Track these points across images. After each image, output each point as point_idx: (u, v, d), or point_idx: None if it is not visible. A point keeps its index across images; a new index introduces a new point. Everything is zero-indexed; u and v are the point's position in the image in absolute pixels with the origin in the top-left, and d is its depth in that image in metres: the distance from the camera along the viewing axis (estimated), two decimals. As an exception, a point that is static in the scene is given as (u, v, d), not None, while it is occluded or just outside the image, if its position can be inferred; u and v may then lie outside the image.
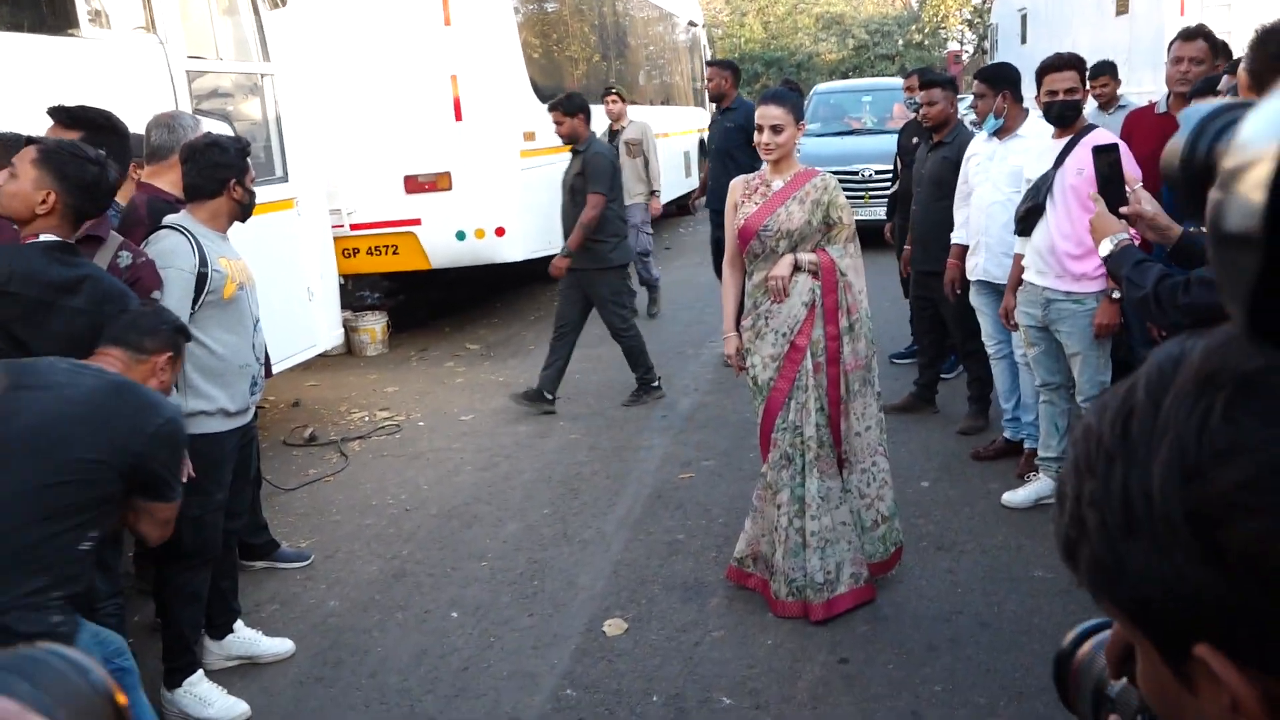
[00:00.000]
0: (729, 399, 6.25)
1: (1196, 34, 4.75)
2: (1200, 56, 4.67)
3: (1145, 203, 2.55)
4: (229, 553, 3.65)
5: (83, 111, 3.03)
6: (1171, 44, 4.89)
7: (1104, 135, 4.22)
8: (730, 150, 7.31)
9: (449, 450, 5.76)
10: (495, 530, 4.64)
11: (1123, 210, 2.56)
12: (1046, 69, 4.26)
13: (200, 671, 3.39)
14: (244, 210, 3.45)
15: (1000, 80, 4.92)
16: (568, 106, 6.17)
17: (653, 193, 8.87)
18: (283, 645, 3.70)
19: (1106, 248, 2.52)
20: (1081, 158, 4.15)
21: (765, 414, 3.74)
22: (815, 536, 3.66)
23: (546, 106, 6.51)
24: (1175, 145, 2.10)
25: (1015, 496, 4.55)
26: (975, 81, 5.19)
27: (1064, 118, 4.23)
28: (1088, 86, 4.39)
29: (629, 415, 6.19)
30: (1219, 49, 4.77)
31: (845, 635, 3.57)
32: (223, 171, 3.35)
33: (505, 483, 5.23)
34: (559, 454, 5.58)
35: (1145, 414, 0.59)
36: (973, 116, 5.71)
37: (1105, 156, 2.69)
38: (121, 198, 3.93)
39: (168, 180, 3.67)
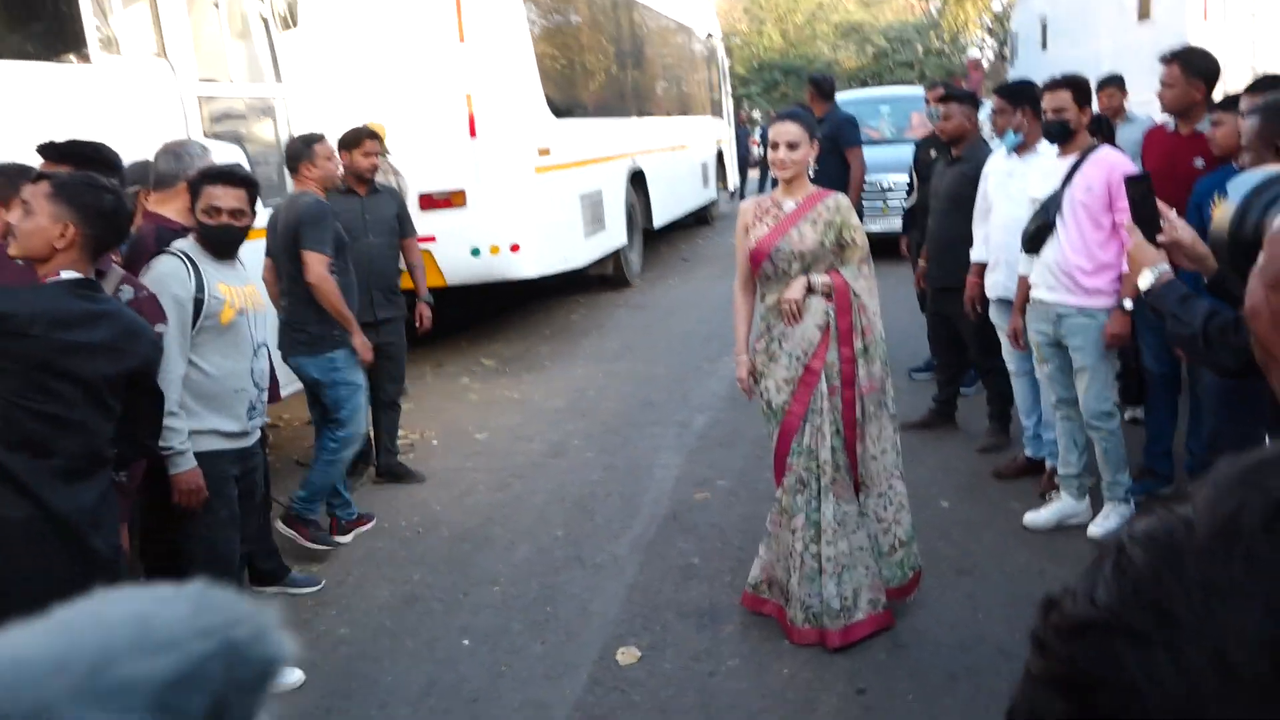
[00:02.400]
0: (744, 416, 6.17)
1: (1169, 59, 4.66)
2: (1169, 81, 4.60)
3: (1182, 230, 2.47)
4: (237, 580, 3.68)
5: (70, 146, 3.01)
6: None
7: (1110, 154, 4.21)
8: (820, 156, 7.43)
9: (462, 470, 5.72)
10: (507, 553, 4.59)
11: (1159, 238, 2.48)
12: (1044, 87, 4.36)
13: None
14: (207, 237, 3.41)
15: (1021, 97, 4.85)
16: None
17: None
18: (291, 676, 3.67)
19: (1147, 279, 2.42)
20: (1090, 175, 4.13)
21: (780, 438, 3.68)
22: (831, 562, 3.59)
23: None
24: (1224, 215, 2.03)
25: (1037, 518, 4.46)
26: (995, 97, 5.13)
27: (1050, 135, 4.33)
28: (1093, 103, 4.38)
29: (644, 433, 6.14)
30: (1197, 70, 4.64)
31: (863, 664, 3.49)
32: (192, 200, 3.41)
33: (518, 504, 5.18)
34: (572, 474, 5.53)
35: (1170, 586, 0.53)
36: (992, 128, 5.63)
37: (1138, 186, 2.60)
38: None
39: (174, 208, 3.67)
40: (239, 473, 3.48)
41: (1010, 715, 0.59)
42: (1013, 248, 4.74)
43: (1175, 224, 2.50)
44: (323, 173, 4.65)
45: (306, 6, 7.60)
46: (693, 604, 4.01)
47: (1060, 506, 4.46)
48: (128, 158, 3.95)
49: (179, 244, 3.40)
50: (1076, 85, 4.25)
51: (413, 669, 3.68)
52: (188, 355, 3.30)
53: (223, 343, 3.37)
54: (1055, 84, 4.28)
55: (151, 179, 3.76)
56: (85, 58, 4.36)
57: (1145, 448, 4.72)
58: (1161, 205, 2.57)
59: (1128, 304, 4.12)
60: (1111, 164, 4.14)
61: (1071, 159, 4.23)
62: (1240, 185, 1.94)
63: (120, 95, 4.50)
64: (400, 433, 6.38)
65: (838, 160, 7.50)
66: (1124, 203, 4.06)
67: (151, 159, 3.85)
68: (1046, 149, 4.65)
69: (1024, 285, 4.49)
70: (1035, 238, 4.29)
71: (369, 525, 4.93)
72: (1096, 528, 4.28)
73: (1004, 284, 4.86)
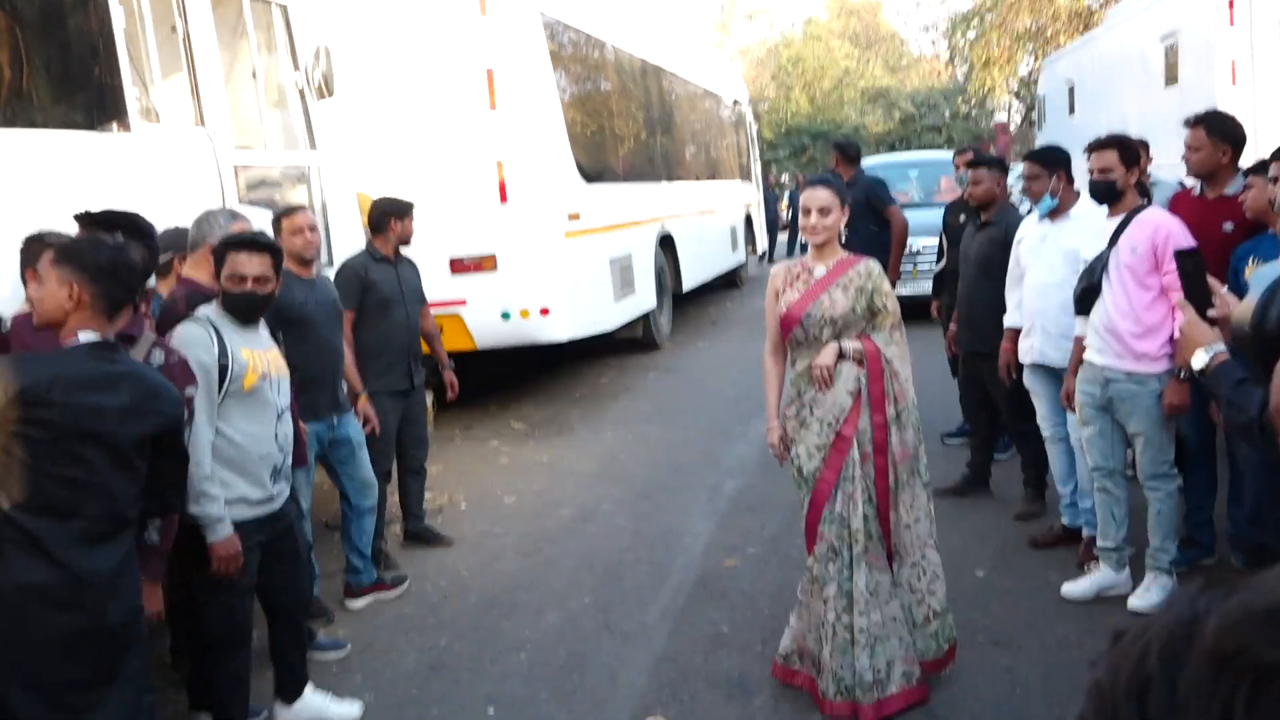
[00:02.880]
0: (775, 481, 6.11)
1: (1194, 123, 4.63)
2: (1195, 144, 4.56)
3: (1234, 306, 2.42)
4: (295, 628, 3.76)
5: (107, 215, 3.07)
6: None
7: (1156, 215, 4.14)
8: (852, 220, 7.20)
9: (491, 534, 5.69)
10: (535, 620, 4.54)
11: (1211, 314, 2.42)
12: (1090, 147, 4.31)
13: None
14: (230, 304, 3.44)
15: (1053, 162, 4.84)
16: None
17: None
18: (352, 709, 3.79)
19: (1201, 359, 2.32)
20: (1135, 236, 4.08)
21: (811, 505, 3.63)
22: (864, 633, 3.51)
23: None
24: (1246, 309, 2.00)
25: (1075, 588, 4.36)
26: (1026, 163, 5.11)
27: (1096, 195, 4.29)
28: (1140, 163, 4.34)
29: (674, 498, 6.09)
30: (1222, 133, 4.60)
31: (897, 739, 3.40)
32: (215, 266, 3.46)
33: (547, 569, 5.13)
34: (602, 539, 5.48)
35: (1161, 689, 0.55)
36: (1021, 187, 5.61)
37: (1189, 260, 2.54)
38: (163, 290, 4.00)
39: (202, 273, 3.76)
40: (265, 539, 3.48)
41: None
42: (1046, 313, 4.70)
43: (1227, 300, 2.45)
44: (288, 248, 4.41)
45: (342, 76, 7.77)
46: (722, 674, 3.93)
47: (1099, 578, 4.36)
48: (165, 223, 4.04)
49: (202, 310, 3.44)
50: (1123, 145, 4.21)
51: (438, 739, 3.63)
52: (215, 422, 3.31)
53: (246, 409, 3.38)
54: (1101, 144, 4.25)
55: (189, 245, 3.85)
56: (126, 126, 4.46)
57: (1185, 517, 4.61)
58: (1212, 281, 2.52)
59: (1184, 374, 4.02)
60: (1156, 225, 4.06)
61: (1118, 219, 4.19)
62: (1261, 279, 1.92)
63: (159, 163, 4.60)
64: (429, 496, 6.37)
65: (873, 221, 7.44)
66: (1171, 265, 4.01)
67: (186, 225, 3.94)
68: (1080, 213, 4.63)
69: (1079, 347, 4.41)
70: (1083, 299, 4.24)
71: (393, 592, 4.89)
72: (1138, 600, 4.17)
73: (1039, 349, 4.79)
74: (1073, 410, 4.57)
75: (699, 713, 3.66)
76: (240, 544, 3.28)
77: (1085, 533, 4.72)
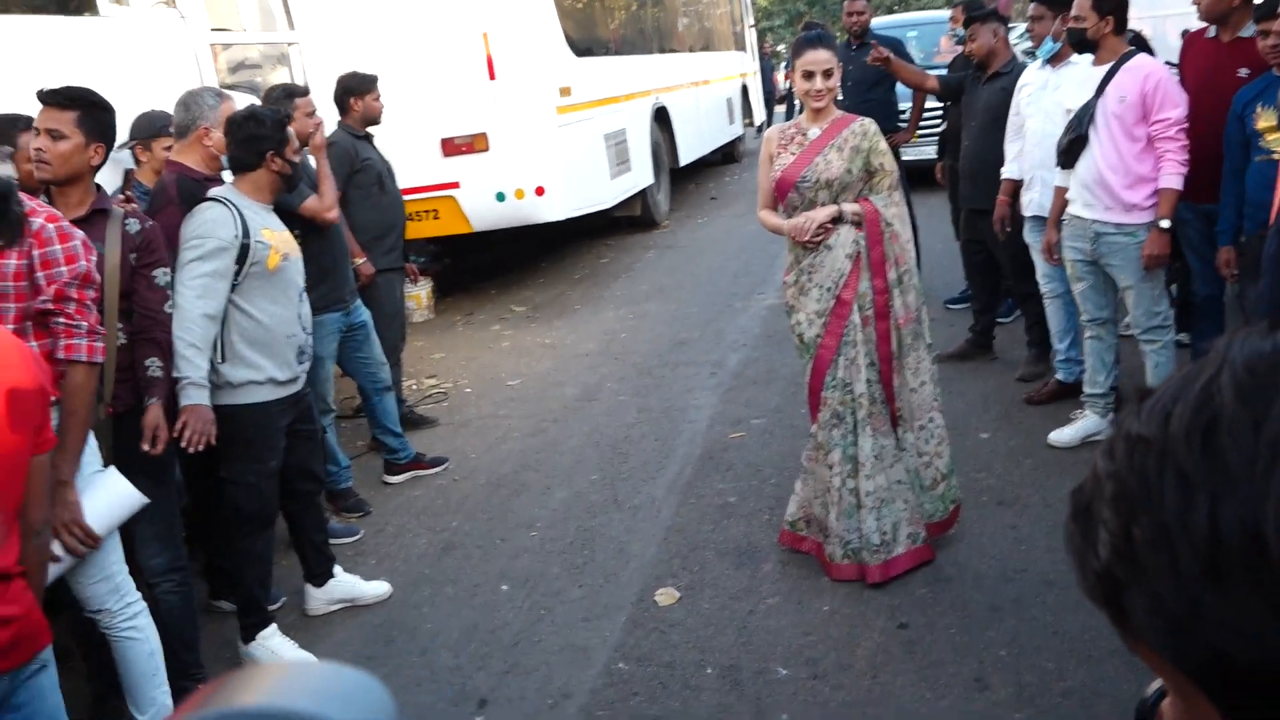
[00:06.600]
0: (778, 353, 6.10)
1: None
2: None
3: None
4: (316, 510, 3.83)
5: (66, 91, 2.99)
6: None
7: (1145, 62, 4.03)
8: (869, 86, 6.62)
9: (496, 417, 5.70)
10: (544, 498, 4.58)
11: None
12: None
13: (273, 626, 3.53)
14: (286, 181, 3.49)
15: (1059, 3, 4.65)
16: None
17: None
18: (380, 588, 3.89)
19: None
20: (1124, 84, 4.00)
21: (813, 372, 3.61)
22: (870, 496, 3.53)
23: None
24: None
25: (1061, 435, 4.43)
26: (1033, 4, 4.94)
27: (1070, 43, 4.28)
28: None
29: (677, 373, 6.08)
30: None
31: (904, 599, 3.45)
32: (261, 144, 3.41)
33: (553, 448, 5.16)
34: (607, 417, 5.49)
35: (1241, 429, 0.48)
36: (1025, 46, 5.44)
37: None
38: (145, 178, 3.91)
39: (193, 158, 3.67)
40: (292, 419, 3.51)
41: (1074, 495, 0.57)
42: (1049, 163, 4.58)
43: None
44: (298, 130, 4.14)
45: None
46: (731, 543, 3.97)
47: (1085, 424, 4.43)
48: (139, 109, 3.94)
49: (220, 191, 3.42)
50: None
51: (453, 615, 3.69)
52: (225, 298, 3.27)
53: (271, 289, 3.38)
54: None
55: (175, 129, 3.77)
56: (94, 9, 4.30)
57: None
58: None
59: (1165, 224, 3.98)
60: (1147, 73, 3.98)
61: (1105, 68, 4.08)
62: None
63: (130, 46, 4.44)
64: (432, 381, 6.40)
65: (889, 87, 6.94)
66: (1159, 114, 3.93)
67: (157, 109, 3.90)
68: (1082, 58, 4.48)
69: (1059, 197, 4.37)
70: (1069, 151, 4.15)
71: (431, 471, 4.96)
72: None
73: (1040, 201, 4.71)
74: (1054, 262, 4.54)
75: (708, 581, 3.72)
76: (213, 417, 3.21)
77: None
